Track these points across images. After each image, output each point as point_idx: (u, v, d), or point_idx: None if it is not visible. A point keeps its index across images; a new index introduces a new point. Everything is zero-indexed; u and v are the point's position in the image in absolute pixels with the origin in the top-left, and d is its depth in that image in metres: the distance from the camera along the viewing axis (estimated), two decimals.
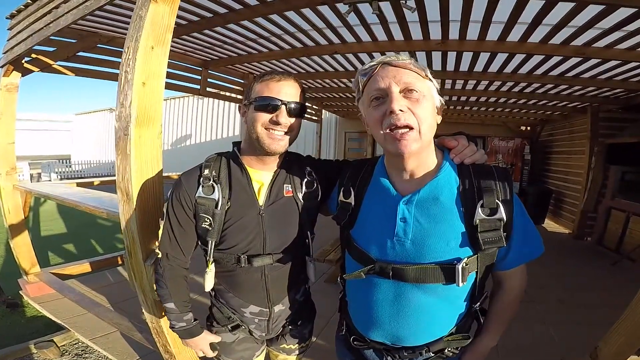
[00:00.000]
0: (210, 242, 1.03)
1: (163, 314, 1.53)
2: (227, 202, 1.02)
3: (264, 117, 0.99)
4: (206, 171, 1.03)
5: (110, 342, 2.44)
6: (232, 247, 1.04)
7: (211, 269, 1.07)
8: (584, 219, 5.72)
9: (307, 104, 1.08)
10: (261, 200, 1.05)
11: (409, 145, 0.78)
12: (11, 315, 3.19)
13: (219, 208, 1.01)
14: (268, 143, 0.99)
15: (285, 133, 1.02)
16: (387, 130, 0.79)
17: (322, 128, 8.90)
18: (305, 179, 1.10)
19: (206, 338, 1.15)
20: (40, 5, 2.35)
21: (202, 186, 1.01)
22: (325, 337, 2.44)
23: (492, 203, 0.80)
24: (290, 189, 1.08)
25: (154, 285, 1.13)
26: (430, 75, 0.83)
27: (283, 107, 0.98)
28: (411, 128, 0.78)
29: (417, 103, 0.78)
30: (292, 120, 1.01)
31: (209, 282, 1.09)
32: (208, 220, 1.01)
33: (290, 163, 1.12)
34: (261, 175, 1.08)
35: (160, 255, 1.07)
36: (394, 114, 0.77)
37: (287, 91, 1.00)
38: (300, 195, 1.09)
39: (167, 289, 1.07)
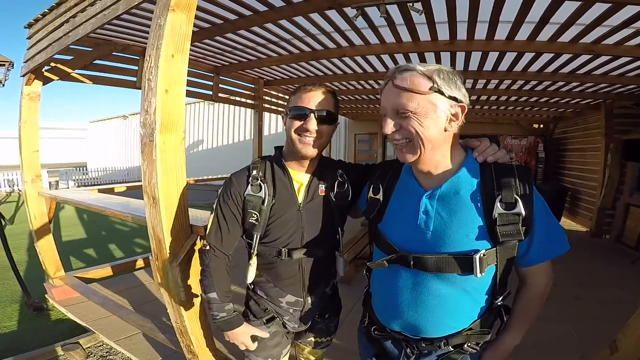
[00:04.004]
0: (255, 235, 1.13)
1: (199, 308, 1.61)
2: (272, 200, 1.13)
3: (296, 124, 1.10)
4: (254, 172, 1.15)
5: (133, 344, 2.49)
6: (275, 241, 1.15)
7: (254, 262, 1.16)
8: (602, 216, 5.63)
9: (338, 111, 1.18)
10: (300, 198, 1.16)
11: (406, 156, 0.90)
12: (37, 318, 3.30)
13: (265, 204, 1.12)
14: (300, 147, 1.11)
15: (316, 139, 1.11)
16: (392, 141, 0.92)
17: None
18: (337, 180, 1.21)
19: (247, 331, 1.21)
20: (57, 15, 2.42)
21: (251, 185, 1.13)
22: (340, 336, 2.47)
23: (510, 198, 0.84)
24: (324, 189, 1.19)
25: (200, 276, 1.21)
26: (441, 86, 0.85)
27: (312, 115, 1.09)
28: (410, 140, 0.88)
29: (407, 120, 0.86)
30: (322, 127, 1.11)
31: (252, 273, 1.17)
32: (255, 216, 1.12)
33: (325, 166, 1.23)
34: (300, 176, 1.19)
35: (207, 248, 1.17)
36: (386, 135, 0.90)
37: (316, 100, 1.10)
38: (332, 195, 1.19)
39: (211, 278, 1.16)
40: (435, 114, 0.86)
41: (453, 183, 0.90)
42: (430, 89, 0.84)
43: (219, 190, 1.19)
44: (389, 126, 0.88)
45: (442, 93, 0.85)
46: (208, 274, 1.16)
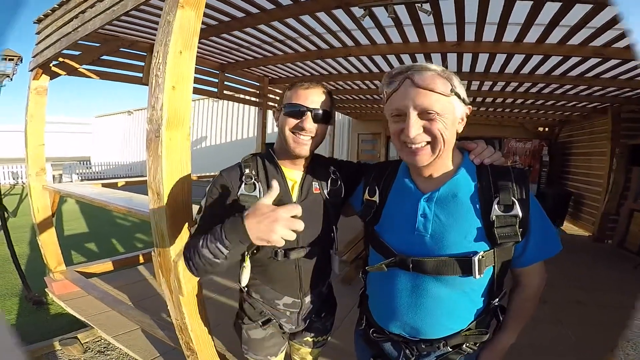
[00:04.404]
0: None
1: (200, 305, 1.56)
2: None
3: (292, 122, 1.06)
4: (247, 170, 1.10)
5: (131, 340, 2.50)
6: None
7: (248, 264, 1.10)
8: (605, 221, 5.61)
9: (334, 111, 1.13)
10: (294, 196, 1.12)
11: (423, 158, 0.86)
12: (37, 312, 3.29)
13: None
14: (293, 146, 1.07)
15: (311, 138, 1.07)
16: (404, 144, 0.86)
17: (334, 130, 8.91)
18: (330, 178, 1.18)
19: (261, 206, 0.86)
20: (67, 10, 2.42)
21: (245, 184, 1.08)
22: (338, 336, 2.45)
23: (507, 200, 0.85)
24: (317, 187, 1.16)
25: (191, 268, 0.99)
26: (457, 87, 0.85)
27: (308, 113, 1.04)
28: (429, 142, 0.84)
29: (434, 122, 0.82)
30: (317, 126, 1.06)
31: (245, 276, 1.11)
32: None
33: (317, 163, 1.19)
34: (293, 174, 1.15)
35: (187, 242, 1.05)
36: (409, 138, 0.83)
37: (314, 98, 1.06)
38: (326, 192, 1.17)
39: (193, 249, 0.96)
40: (455, 115, 0.86)
41: (451, 186, 0.90)
42: (451, 90, 0.83)
43: (207, 188, 1.10)
44: (415, 127, 0.82)
45: (458, 95, 0.85)
46: (191, 254, 0.96)
